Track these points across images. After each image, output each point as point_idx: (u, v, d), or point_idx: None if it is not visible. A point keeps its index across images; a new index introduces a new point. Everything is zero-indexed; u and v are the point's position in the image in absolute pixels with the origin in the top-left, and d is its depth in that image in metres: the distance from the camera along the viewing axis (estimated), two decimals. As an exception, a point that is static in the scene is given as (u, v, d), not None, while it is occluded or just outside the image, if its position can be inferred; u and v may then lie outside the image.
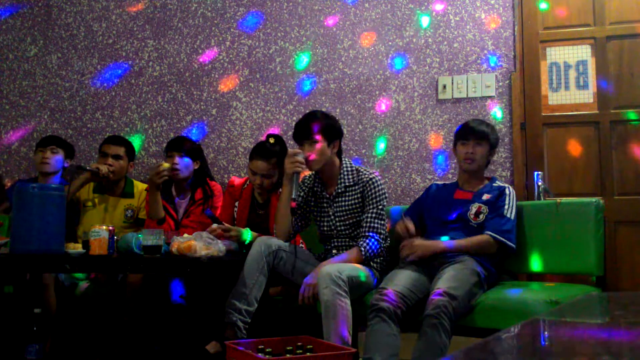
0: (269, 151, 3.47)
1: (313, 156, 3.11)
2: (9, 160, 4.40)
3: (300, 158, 3.07)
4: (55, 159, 3.95)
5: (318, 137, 3.13)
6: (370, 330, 2.72)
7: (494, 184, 3.15)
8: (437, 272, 2.90)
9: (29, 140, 4.32)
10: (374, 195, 3.14)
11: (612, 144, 3.70)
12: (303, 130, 3.15)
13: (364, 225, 3.12)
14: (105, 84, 4.35)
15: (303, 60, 4.11)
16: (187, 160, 3.68)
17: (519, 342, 1.28)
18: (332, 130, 3.17)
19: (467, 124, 3.20)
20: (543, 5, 3.85)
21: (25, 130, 4.36)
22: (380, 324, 2.69)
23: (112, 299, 3.45)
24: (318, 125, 3.14)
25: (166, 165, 3.59)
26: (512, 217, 3.03)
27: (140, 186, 3.95)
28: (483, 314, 2.74)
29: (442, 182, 3.35)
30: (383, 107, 3.97)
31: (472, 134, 3.14)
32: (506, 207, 3.03)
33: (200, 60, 4.24)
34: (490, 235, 2.98)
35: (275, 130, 4.06)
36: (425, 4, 3.96)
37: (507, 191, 3.08)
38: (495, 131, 3.23)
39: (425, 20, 3.95)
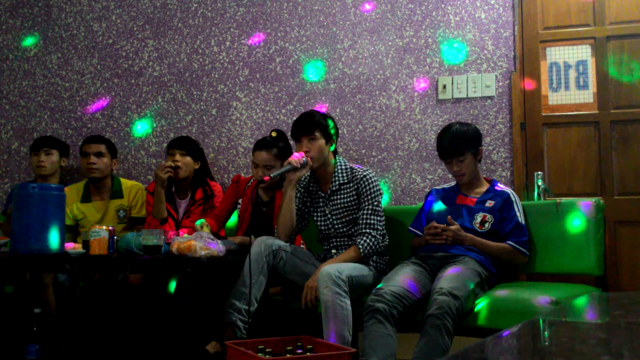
0: (271, 142, 3.49)
1: (312, 153, 3.12)
2: (9, 160, 4.40)
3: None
4: (50, 160, 3.95)
5: (317, 133, 3.14)
6: (366, 332, 2.72)
7: (496, 188, 3.15)
8: (438, 272, 2.90)
9: (29, 140, 4.31)
10: (368, 192, 3.14)
11: (612, 144, 3.70)
12: (303, 126, 3.15)
13: (361, 222, 3.12)
14: (105, 84, 4.34)
15: (303, 60, 4.10)
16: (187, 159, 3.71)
17: (519, 342, 1.28)
18: (330, 129, 3.19)
19: (441, 143, 3.13)
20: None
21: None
22: (375, 325, 2.69)
23: (112, 299, 3.45)
24: (317, 122, 3.16)
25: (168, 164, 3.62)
26: (524, 222, 3.04)
27: (128, 183, 3.96)
28: (483, 314, 2.74)
29: (440, 187, 3.32)
30: (383, 107, 3.97)
31: (449, 154, 3.10)
32: (518, 214, 3.05)
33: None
34: (512, 245, 3.01)
35: (275, 130, 4.06)
36: (425, 4, 3.96)
37: (512, 198, 3.08)
38: (472, 129, 3.15)
39: (425, 21, 3.95)
